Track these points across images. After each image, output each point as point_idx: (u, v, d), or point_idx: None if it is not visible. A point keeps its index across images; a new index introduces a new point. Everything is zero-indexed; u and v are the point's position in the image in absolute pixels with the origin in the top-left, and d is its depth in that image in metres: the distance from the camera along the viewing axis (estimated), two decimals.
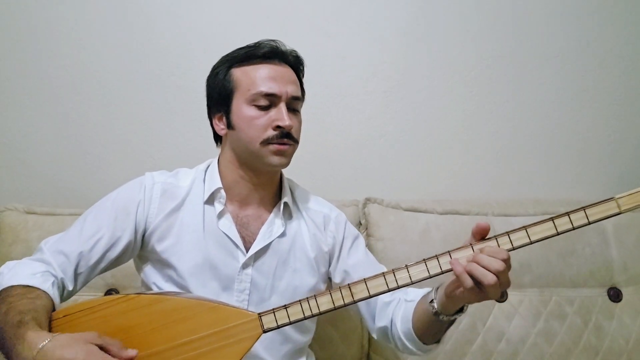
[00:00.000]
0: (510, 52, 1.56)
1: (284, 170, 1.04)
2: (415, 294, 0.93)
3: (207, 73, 1.02)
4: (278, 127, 0.92)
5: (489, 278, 0.71)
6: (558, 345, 1.28)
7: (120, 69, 1.47)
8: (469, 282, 0.73)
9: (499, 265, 0.71)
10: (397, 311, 0.96)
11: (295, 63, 0.99)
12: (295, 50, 1.00)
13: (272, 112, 0.93)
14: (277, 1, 1.49)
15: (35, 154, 1.48)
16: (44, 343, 0.68)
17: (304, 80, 1.03)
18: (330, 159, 1.54)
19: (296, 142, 0.96)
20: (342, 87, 1.53)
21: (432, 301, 0.84)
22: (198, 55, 1.47)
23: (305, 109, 1.02)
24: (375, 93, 1.54)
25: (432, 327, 0.87)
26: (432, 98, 1.55)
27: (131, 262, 1.01)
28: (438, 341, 0.91)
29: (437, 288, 0.84)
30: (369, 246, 1.29)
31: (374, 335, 1.02)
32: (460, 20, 1.54)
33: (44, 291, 0.81)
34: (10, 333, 0.70)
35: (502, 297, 1.32)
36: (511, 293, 1.32)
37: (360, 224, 1.37)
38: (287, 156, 0.95)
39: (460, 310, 0.83)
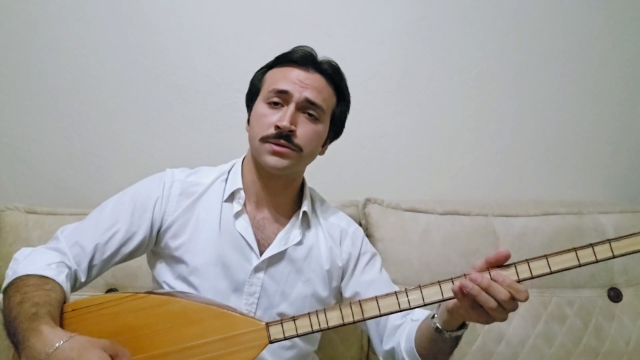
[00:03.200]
0: (511, 52, 1.56)
1: (306, 178, 1.03)
2: (420, 314, 0.91)
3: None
4: (277, 127, 0.90)
5: (491, 304, 0.69)
6: (558, 347, 1.28)
7: (120, 69, 1.47)
8: (466, 302, 0.72)
9: (504, 295, 0.69)
10: (402, 330, 0.94)
11: (330, 72, 0.96)
12: (332, 61, 0.97)
13: (280, 112, 0.92)
14: (278, 1, 1.48)
15: (35, 154, 1.48)
16: (61, 343, 0.67)
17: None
18: (331, 159, 1.53)
19: (298, 148, 0.91)
20: None
21: (433, 316, 0.82)
22: (198, 56, 1.47)
23: None
24: (375, 93, 1.54)
25: (435, 345, 0.84)
26: (433, 98, 1.55)
27: (132, 262, 1.00)
28: None
29: (439, 305, 0.82)
30: None
31: (380, 358, 0.99)
32: (461, 21, 1.53)
33: (59, 283, 0.80)
34: (25, 324, 0.70)
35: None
36: None
37: (360, 224, 1.37)
38: (285, 159, 0.90)
39: (462, 326, 0.80)
